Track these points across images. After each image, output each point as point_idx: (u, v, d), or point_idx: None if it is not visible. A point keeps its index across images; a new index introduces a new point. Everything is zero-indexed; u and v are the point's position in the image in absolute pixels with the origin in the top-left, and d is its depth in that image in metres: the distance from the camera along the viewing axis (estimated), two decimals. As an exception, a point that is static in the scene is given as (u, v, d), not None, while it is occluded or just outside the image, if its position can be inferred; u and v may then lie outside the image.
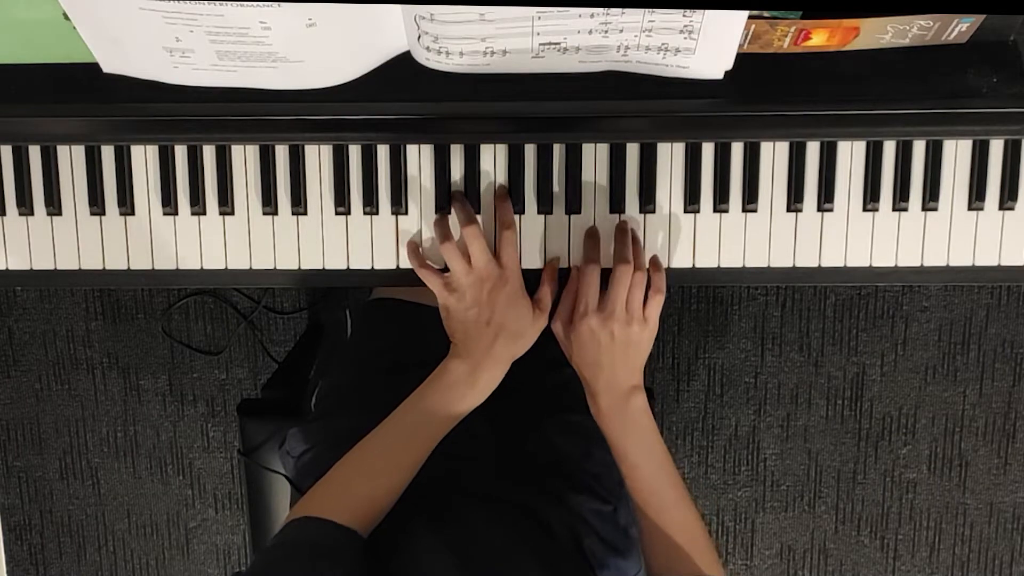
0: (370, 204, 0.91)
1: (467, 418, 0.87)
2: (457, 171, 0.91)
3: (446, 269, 0.88)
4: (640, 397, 0.87)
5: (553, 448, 0.97)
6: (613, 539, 0.92)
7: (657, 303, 0.86)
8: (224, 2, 0.72)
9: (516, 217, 0.91)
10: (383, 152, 0.91)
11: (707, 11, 0.74)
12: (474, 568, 0.75)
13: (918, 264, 0.92)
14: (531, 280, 0.91)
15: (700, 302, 1.78)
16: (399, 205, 0.91)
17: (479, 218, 0.91)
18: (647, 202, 0.91)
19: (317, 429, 1.03)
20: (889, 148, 0.90)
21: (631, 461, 0.86)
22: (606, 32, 0.77)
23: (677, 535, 0.85)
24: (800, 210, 0.91)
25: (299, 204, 0.91)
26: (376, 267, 0.92)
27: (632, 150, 0.90)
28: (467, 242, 0.85)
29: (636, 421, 0.86)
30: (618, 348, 0.85)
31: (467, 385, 0.85)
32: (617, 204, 0.91)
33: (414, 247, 0.91)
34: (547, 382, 1.04)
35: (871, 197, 0.90)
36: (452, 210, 0.90)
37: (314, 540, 0.77)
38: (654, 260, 0.89)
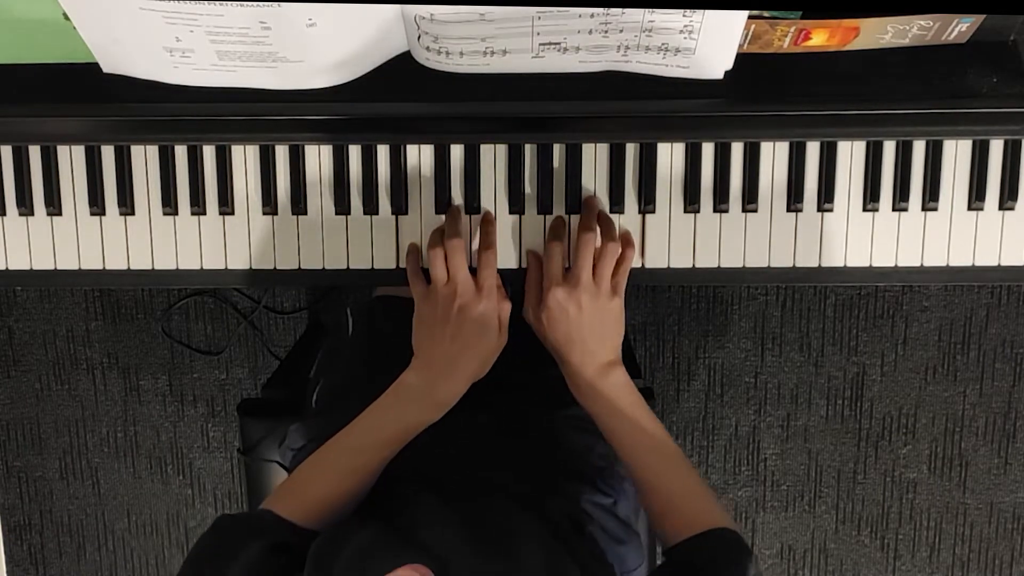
0: (370, 204, 0.91)
1: (470, 412, 0.87)
2: (457, 171, 0.91)
3: None
4: (618, 373, 0.86)
5: (556, 442, 0.98)
6: (614, 530, 0.92)
7: (623, 273, 0.86)
8: (224, 2, 0.72)
9: (515, 217, 0.91)
10: (383, 152, 0.91)
11: (707, 11, 0.74)
12: (481, 536, 0.75)
13: (918, 264, 0.92)
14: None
15: (700, 302, 1.78)
16: (399, 205, 0.91)
17: (479, 219, 0.91)
18: (647, 202, 0.91)
19: (316, 425, 1.04)
20: (889, 148, 0.90)
21: (620, 439, 0.86)
22: (606, 32, 0.77)
23: (681, 501, 0.84)
24: (800, 210, 0.91)
25: (299, 204, 0.91)
26: (376, 267, 0.92)
27: (632, 150, 0.90)
28: (448, 255, 0.84)
29: (618, 397, 0.86)
30: (587, 320, 0.84)
31: (423, 399, 0.85)
32: (617, 204, 0.91)
33: (415, 250, 0.91)
34: (551, 377, 1.04)
35: (871, 197, 0.90)
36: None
37: (253, 521, 0.81)
38: (625, 234, 0.89)
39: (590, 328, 0.85)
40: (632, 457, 0.86)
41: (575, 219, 0.91)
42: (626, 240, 0.89)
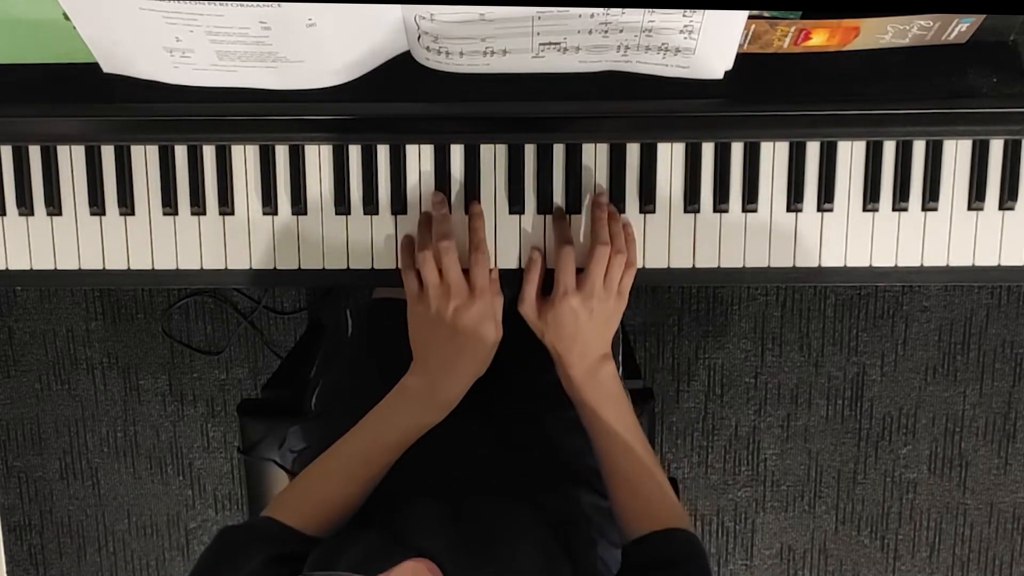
0: (370, 204, 0.91)
1: (466, 414, 0.87)
2: (457, 171, 0.91)
3: None
4: (610, 365, 0.88)
5: (552, 444, 0.98)
6: (611, 534, 0.92)
7: (630, 276, 0.88)
8: (224, 2, 0.72)
9: (516, 217, 0.91)
10: (383, 152, 0.91)
11: (707, 11, 0.74)
12: (476, 540, 0.75)
13: (918, 264, 0.92)
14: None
15: (700, 302, 1.78)
16: (399, 205, 0.91)
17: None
18: (647, 202, 0.91)
19: (316, 427, 1.04)
20: (889, 148, 0.90)
21: (603, 430, 0.87)
22: (606, 32, 0.77)
23: (649, 494, 0.87)
24: (800, 210, 0.91)
25: (299, 204, 0.91)
26: (376, 267, 0.93)
27: (632, 150, 0.90)
28: (439, 256, 0.85)
29: (608, 388, 0.88)
30: (594, 324, 0.86)
31: (425, 402, 0.86)
32: (617, 204, 0.91)
33: (409, 245, 0.90)
34: (547, 379, 1.04)
35: (871, 197, 0.90)
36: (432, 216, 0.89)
37: (256, 531, 0.81)
38: (627, 230, 0.90)
39: (593, 329, 0.86)
40: (609, 446, 0.88)
41: (575, 218, 0.91)
42: (629, 240, 0.90)
